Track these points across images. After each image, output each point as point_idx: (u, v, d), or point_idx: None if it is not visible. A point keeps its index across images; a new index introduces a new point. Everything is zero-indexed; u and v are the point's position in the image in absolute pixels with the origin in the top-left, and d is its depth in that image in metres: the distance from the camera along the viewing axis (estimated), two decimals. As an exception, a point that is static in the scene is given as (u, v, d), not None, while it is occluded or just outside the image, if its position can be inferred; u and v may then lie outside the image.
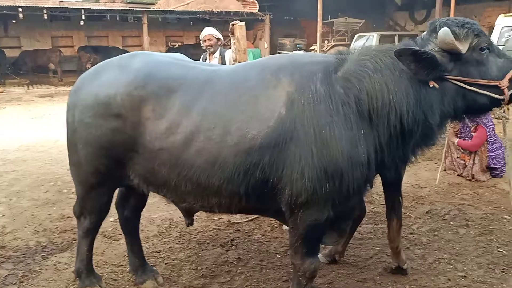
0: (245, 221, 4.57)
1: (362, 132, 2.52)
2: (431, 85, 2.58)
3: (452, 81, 2.63)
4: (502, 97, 2.65)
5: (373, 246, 4.02)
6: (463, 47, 2.58)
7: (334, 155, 2.45)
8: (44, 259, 3.83)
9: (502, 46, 13.34)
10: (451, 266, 3.66)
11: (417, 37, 2.91)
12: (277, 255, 3.88)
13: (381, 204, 4.84)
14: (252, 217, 4.59)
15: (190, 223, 3.23)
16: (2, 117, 11.58)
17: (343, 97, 2.54)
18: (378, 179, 3.07)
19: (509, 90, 2.65)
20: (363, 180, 2.60)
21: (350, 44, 20.08)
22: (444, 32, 2.54)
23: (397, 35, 19.85)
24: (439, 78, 2.59)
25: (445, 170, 6.18)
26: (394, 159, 2.69)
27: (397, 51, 2.50)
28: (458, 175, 5.98)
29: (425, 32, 2.85)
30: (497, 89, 2.64)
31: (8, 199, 5.30)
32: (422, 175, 6.09)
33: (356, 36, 19.93)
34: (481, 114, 2.91)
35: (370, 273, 3.57)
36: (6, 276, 3.56)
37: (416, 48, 2.54)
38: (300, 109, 2.51)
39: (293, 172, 2.49)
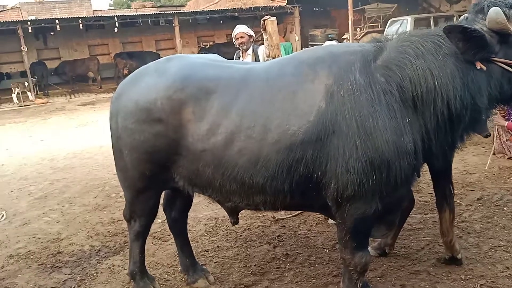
0: (290, 217, 4.57)
1: (407, 120, 2.47)
2: (478, 67, 2.51)
3: (498, 63, 2.54)
4: None
5: (423, 237, 3.92)
6: None
7: (380, 145, 2.40)
8: (99, 263, 3.98)
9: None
10: (509, 254, 3.52)
11: (460, 18, 2.81)
12: (325, 250, 3.85)
13: (429, 193, 4.72)
14: (296, 213, 4.58)
15: (235, 222, 3.25)
16: (49, 127, 12.08)
17: (384, 86, 2.48)
18: (425, 168, 2.98)
19: None
20: (411, 169, 2.54)
21: (384, 30, 19.61)
22: (496, 12, 2.45)
23: (432, 17, 19.19)
24: (485, 60, 2.51)
25: (494, 154, 5.93)
26: (442, 146, 2.62)
27: (446, 28, 2.45)
28: (508, 158, 5.73)
29: (468, 13, 2.75)
30: None
31: (60, 206, 5.53)
32: (470, 160, 5.88)
33: (390, 21, 19.44)
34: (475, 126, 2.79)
35: (423, 265, 3.48)
36: (65, 280, 3.72)
37: (467, 25, 2.46)
38: (340, 101, 2.47)
39: (337, 165, 2.47)
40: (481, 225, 4.04)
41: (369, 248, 3.49)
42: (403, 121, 2.46)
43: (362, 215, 2.58)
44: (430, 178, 3.45)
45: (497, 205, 4.44)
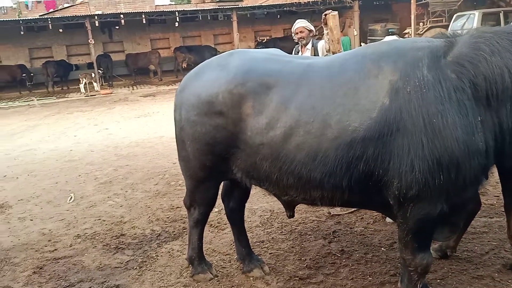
0: (345, 213, 4.53)
1: (479, 118, 2.37)
2: None
3: None
4: None
5: (488, 241, 3.74)
6: None
7: (449, 144, 2.32)
8: (159, 246, 4.15)
9: None
10: None
11: None
12: (382, 248, 3.78)
13: (495, 196, 4.49)
14: (352, 210, 4.53)
15: (292, 215, 3.28)
16: (113, 116, 12.69)
17: (455, 82, 2.39)
18: (492, 169, 2.85)
19: None
20: (481, 170, 2.44)
21: (448, 25, 18.75)
22: None
23: (502, 12, 18.10)
24: None
25: None
26: None
27: None
28: None
29: None
30: None
31: (124, 191, 5.82)
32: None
33: (455, 16, 18.55)
34: None
35: (487, 270, 3.33)
36: (127, 261, 3.92)
37: None
38: (406, 98, 2.40)
39: (401, 164, 2.40)
40: (553, 233, 3.79)
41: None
42: (475, 119, 2.36)
43: (426, 215, 2.51)
44: (497, 180, 3.29)
45: None
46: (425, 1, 20.61)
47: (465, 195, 2.55)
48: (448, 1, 20.75)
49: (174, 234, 4.39)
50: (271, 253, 3.87)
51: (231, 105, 2.81)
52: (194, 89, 3.03)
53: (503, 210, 3.35)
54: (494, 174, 3.12)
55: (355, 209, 4.49)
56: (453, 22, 18.34)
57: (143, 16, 20.00)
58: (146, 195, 5.60)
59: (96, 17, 19.33)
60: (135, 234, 4.47)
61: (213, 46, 23.81)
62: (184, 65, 20.91)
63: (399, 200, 2.51)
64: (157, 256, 3.98)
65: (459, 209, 2.70)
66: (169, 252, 4.03)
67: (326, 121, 2.54)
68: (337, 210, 4.57)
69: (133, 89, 19.51)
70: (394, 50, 2.64)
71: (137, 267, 3.80)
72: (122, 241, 4.32)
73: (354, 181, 2.55)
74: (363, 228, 4.21)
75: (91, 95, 18.14)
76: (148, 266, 3.81)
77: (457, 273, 3.33)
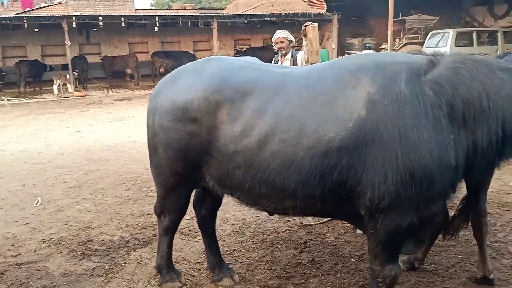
0: (317, 224, 4.54)
1: (452, 136, 2.42)
2: None
3: None
4: None
5: (455, 254, 3.82)
6: None
7: (423, 158, 2.36)
8: (127, 254, 4.06)
9: None
10: (545, 279, 3.38)
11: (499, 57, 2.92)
12: (352, 259, 3.80)
13: (463, 210, 4.58)
14: (324, 220, 4.55)
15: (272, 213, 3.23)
16: (86, 119, 12.43)
17: (432, 100, 2.44)
18: (460, 184, 2.91)
19: None
20: (450, 184, 2.50)
21: (424, 42, 19.26)
22: None
23: (475, 31, 18.73)
24: None
25: (534, 175, 5.73)
26: (486, 165, 2.60)
27: None
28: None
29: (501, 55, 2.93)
30: None
31: (93, 196, 5.69)
32: (507, 179, 5.68)
33: (431, 33, 19.08)
34: None
35: (453, 282, 3.39)
36: (93, 268, 3.81)
37: None
38: (383, 110, 2.43)
39: (375, 175, 2.42)
40: (516, 247, 3.90)
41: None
42: (449, 136, 2.42)
43: (396, 227, 2.53)
44: (465, 195, 3.36)
45: (534, 228, 4.28)
46: (402, 18, 21.13)
47: (434, 208, 2.59)
48: (424, 19, 21.35)
49: (144, 241, 4.30)
50: (242, 262, 3.84)
51: (206, 112, 2.78)
52: (168, 95, 2.99)
53: (470, 224, 3.42)
54: (463, 189, 3.19)
55: (327, 219, 4.52)
56: (428, 39, 18.85)
57: (122, 19, 19.76)
58: (116, 201, 5.48)
59: (73, 18, 18.99)
60: (103, 240, 4.36)
61: (192, 52, 23.70)
62: (162, 70, 20.74)
63: (370, 211, 2.53)
64: (125, 263, 3.89)
65: (427, 223, 2.72)
66: (138, 259, 3.95)
67: (302, 130, 2.54)
68: (309, 220, 4.58)
69: (108, 92, 19.20)
70: (373, 63, 2.67)
71: (104, 274, 3.70)
72: (89, 247, 4.20)
73: (327, 190, 2.56)
74: (334, 239, 4.23)
75: (64, 97, 17.77)
76: (115, 273, 3.72)
77: (424, 285, 3.37)
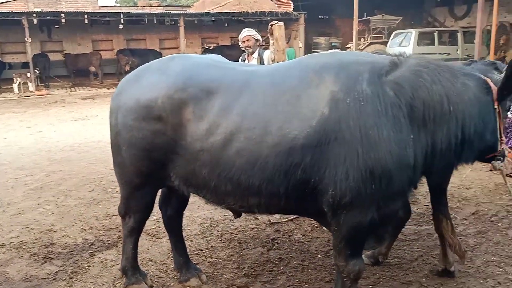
0: (285, 221, 4.57)
1: (411, 136, 2.49)
2: (495, 106, 2.71)
3: (496, 113, 2.73)
4: (499, 148, 2.81)
5: (417, 248, 3.93)
6: None
7: (382, 156, 2.41)
8: (92, 256, 3.96)
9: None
10: (501, 269, 3.53)
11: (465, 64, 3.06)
12: (319, 256, 3.85)
13: (425, 205, 4.73)
14: (292, 217, 4.58)
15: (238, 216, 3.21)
16: (48, 118, 12.06)
17: (393, 100, 2.49)
18: (422, 180, 3.00)
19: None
20: (408, 182, 2.58)
21: (387, 41, 19.71)
22: None
23: (436, 31, 19.33)
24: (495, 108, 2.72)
25: (491, 170, 5.96)
26: (445, 165, 2.70)
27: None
28: (506, 175, 5.74)
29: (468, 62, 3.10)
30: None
31: (56, 198, 5.52)
32: (467, 175, 5.89)
33: (394, 33, 19.54)
34: (480, 156, 2.94)
35: (416, 275, 3.48)
36: (56, 272, 3.70)
37: None
38: (345, 109, 2.47)
39: (337, 172, 2.46)
40: (475, 240, 4.05)
41: (362, 256, 3.51)
42: (408, 136, 2.48)
43: (358, 223, 2.58)
44: (427, 190, 3.46)
45: (491, 221, 4.46)
46: (366, 18, 21.54)
47: (394, 206, 2.66)
48: (387, 19, 21.84)
49: (109, 243, 4.21)
50: (210, 261, 3.82)
51: (171, 110, 2.75)
52: (132, 93, 2.93)
53: (432, 218, 3.53)
54: (424, 185, 3.28)
55: (295, 216, 4.55)
56: (391, 39, 19.30)
57: (86, 16, 19.28)
58: (79, 203, 5.34)
59: (34, 15, 18.37)
60: (66, 243, 4.24)
61: (158, 50, 23.38)
62: (127, 68, 20.32)
63: (333, 208, 2.56)
64: (89, 266, 3.79)
65: (387, 220, 2.79)
66: (102, 262, 3.86)
67: (267, 128, 2.55)
68: (276, 217, 4.61)
69: (71, 91, 18.70)
70: (337, 62, 2.71)
71: (67, 278, 3.60)
72: (52, 251, 4.08)
73: (291, 188, 2.58)
74: (301, 236, 4.27)
75: (25, 96, 17.16)
76: (78, 277, 3.63)
77: (388, 279, 3.45)
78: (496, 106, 2.71)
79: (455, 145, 2.58)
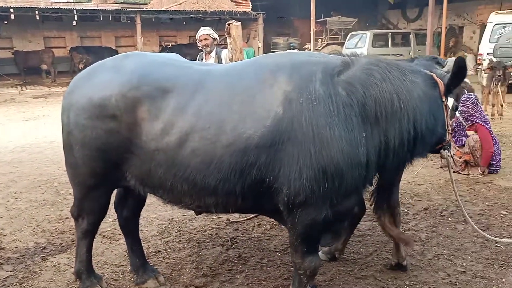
0: (244, 220, 4.58)
1: (364, 135, 2.55)
2: (443, 99, 2.82)
3: (443, 106, 2.86)
4: (447, 138, 2.96)
5: (372, 243, 4.04)
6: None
7: (335, 155, 2.46)
8: (44, 260, 3.82)
9: (495, 43, 13.47)
10: (450, 262, 3.69)
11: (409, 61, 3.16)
12: (277, 253, 3.89)
13: (379, 201, 4.86)
14: (251, 216, 4.60)
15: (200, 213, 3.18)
16: (-4, 118, 11.51)
17: (345, 99, 2.55)
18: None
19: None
20: (361, 180, 2.63)
21: (344, 42, 20.18)
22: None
23: (390, 33, 20.00)
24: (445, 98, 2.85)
25: (441, 167, 6.24)
26: (399, 162, 2.77)
27: (460, 59, 2.74)
28: (454, 171, 6.03)
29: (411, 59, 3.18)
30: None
31: (5, 201, 5.27)
32: (419, 172, 6.13)
33: (350, 34, 20.06)
34: (429, 149, 3.08)
35: (370, 270, 3.58)
36: (6, 277, 3.54)
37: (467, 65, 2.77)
38: (298, 109, 2.50)
39: (291, 172, 2.49)
40: (426, 234, 4.22)
41: (319, 253, 3.58)
42: (360, 134, 2.54)
43: (312, 221, 2.62)
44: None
45: (442, 215, 4.65)
46: (323, 20, 21.96)
47: (347, 203, 2.71)
48: (344, 20, 22.37)
49: (62, 247, 4.07)
50: (168, 262, 3.77)
51: (125, 109, 2.69)
52: (85, 91, 2.84)
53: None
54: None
55: (254, 215, 4.57)
56: (348, 40, 19.80)
57: (37, 12, 18.55)
58: (31, 205, 5.13)
59: (-20, 9, 17.49)
60: (17, 247, 4.06)
61: (114, 48, 22.81)
62: (81, 66, 19.69)
63: (288, 206, 2.60)
64: (41, 270, 3.65)
65: (341, 217, 2.85)
66: (55, 266, 3.72)
67: (222, 127, 2.55)
68: (236, 216, 4.61)
69: (22, 90, 17.91)
70: (290, 62, 2.73)
71: (17, 284, 3.45)
72: (1, 256, 3.89)
73: (247, 187, 2.59)
74: (260, 234, 4.29)
75: (-29, 95, 16.31)
76: (30, 282, 3.48)
77: (344, 274, 3.53)
78: (443, 100, 2.81)
79: (408, 141, 2.65)
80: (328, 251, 3.71)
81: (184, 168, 2.62)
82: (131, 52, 3.18)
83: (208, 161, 2.56)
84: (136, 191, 2.96)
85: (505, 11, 14.56)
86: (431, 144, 2.90)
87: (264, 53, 21.63)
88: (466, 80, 5.88)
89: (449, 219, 4.56)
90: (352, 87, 2.58)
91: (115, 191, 3.28)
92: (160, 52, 22.22)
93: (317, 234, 2.77)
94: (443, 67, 2.95)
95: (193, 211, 3.45)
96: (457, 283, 3.37)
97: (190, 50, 18.93)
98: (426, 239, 4.11)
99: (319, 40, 21.41)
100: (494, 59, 10.89)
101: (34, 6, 19.42)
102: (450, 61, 2.88)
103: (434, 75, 2.85)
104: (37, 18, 18.88)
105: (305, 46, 21.40)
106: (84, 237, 3.17)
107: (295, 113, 2.49)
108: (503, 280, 3.41)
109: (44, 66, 20.75)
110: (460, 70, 2.76)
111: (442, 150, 3.01)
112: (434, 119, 2.76)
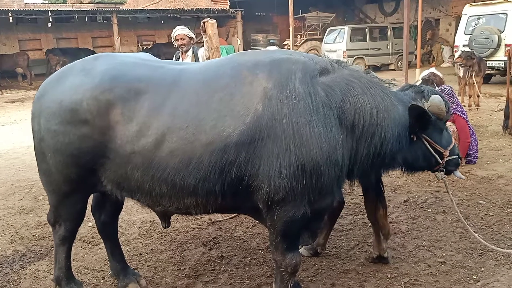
0: (226, 219, 4.56)
1: (340, 136, 2.58)
2: (412, 136, 2.90)
3: (422, 138, 2.96)
4: (440, 163, 3.09)
5: (353, 237, 4.07)
6: (445, 116, 2.98)
7: (314, 152, 2.47)
8: (23, 268, 3.74)
9: (469, 35, 13.70)
10: (431, 253, 3.74)
11: (401, 89, 3.20)
12: (260, 251, 3.89)
13: (360, 195, 4.88)
14: (233, 215, 4.58)
15: (167, 226, 3.18)
16: (-30, 124, 11.23)
17: (324, 99, 2.57)
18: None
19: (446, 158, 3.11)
20: (336, 180, 2.66)
21: (323, 37, 20.27)
22: (439, 100, 2.92)
23: (367, 27, 20.14)
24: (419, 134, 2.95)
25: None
26: (363, 171, 2.84)
27: (412, 107, 2.79)
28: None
29: (405, 86, 3.23)
30: (440, 155, 3.06)
31: (-19, 209, 5.15)
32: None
33: (328, 29, 20.15)
34: (419, 170, 3.32)
35: (352, 264, 3.61)
36: (-18, 288, 3.46)
37: (426, 110, 2.83)
38: (278, 106, 2.50)
39: (270, 168, 2.49)
40: (407, 226, 4.27)
41: (302, 249, 3.60)
42: (337, 135, 2.57)
43: (292, 218, 2.63)
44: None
45: (421, 207, 4.71)
46: (301, 16, 22.01)
47: (324, 202, 2.72)
48: (322, 16, 22.47)
49: (41, 253, 3.99)
50: (149, 265, 3.74)
51: (97, 113, 2.64)
52: (55, 96, 2.77)
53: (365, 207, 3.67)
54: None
55: (236, 214, 4.56)
56: (326, 35, 19.90)
57: (10, 14, 18.15)
58: (8, 212, 5.02)
59: (-50, 12, 17.03)
60: (-6, 256, 3.98)
61: (91, 49, 22.47)
62: (58, 68, 19.40)
63: (267, 204, 2.60)
64: (19, 279, 3.58)
65: (320, 215, 2.87)
66: (34, 273, 3.65)
67: (201, 126, 2.52)
68: (218, 216, 4.59)
69: (-3, 94, 17.55)
70: (270, 59, 2.72)
71: (-5, 294, 3.38)
72: (-23, 266, 3.81)
73: (227, 186, 2.58)
74: (242, 233, 4.28)
75: None
76: (8, 291, 3.42)
77: (326, 269, 3.55)
78: (412, 136, 2.90)
79: (373, 155, 2.72)
80: (311, 247, 3.73)
81: (162, 169, 2.58)
82: (101, 54, 3.11)
83: (187, 161, 2.54)
84: (113, 196, 2.91)
85: (479, 3, 14.81)
86: (385, 165, 2.99)
87: (244, 50, 21.65)
88: (436, 72, 5.99)
89: (428, 210, 4.62)
90: (331, 90, 2.62)
91: (91, 196, 3.23)
92: (139, 52, 22.05)
93: (296, 231, 2.77)
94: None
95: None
96: (438, 274, 3.42)
97: (169, 49, 18.73)
98: (407, 231, 4.16)
99: (298, 36, 21.46)
100: (467, 50, 11.08)
101: (7, 9, 18.98)
102: (432, 98, 2.96)
103: None
104: (11, 20, 18.48)
105: (284, 43, 21.42)
106: (62, 243, 3.11)
107: (275, 110, 2.49)
108: (482, 268, 3.47)
109: (20, 70, 20.30)
110: (418, 119, 2.82)
111: (437, 172, 3.16)
112: (399, 145, 2.82)
